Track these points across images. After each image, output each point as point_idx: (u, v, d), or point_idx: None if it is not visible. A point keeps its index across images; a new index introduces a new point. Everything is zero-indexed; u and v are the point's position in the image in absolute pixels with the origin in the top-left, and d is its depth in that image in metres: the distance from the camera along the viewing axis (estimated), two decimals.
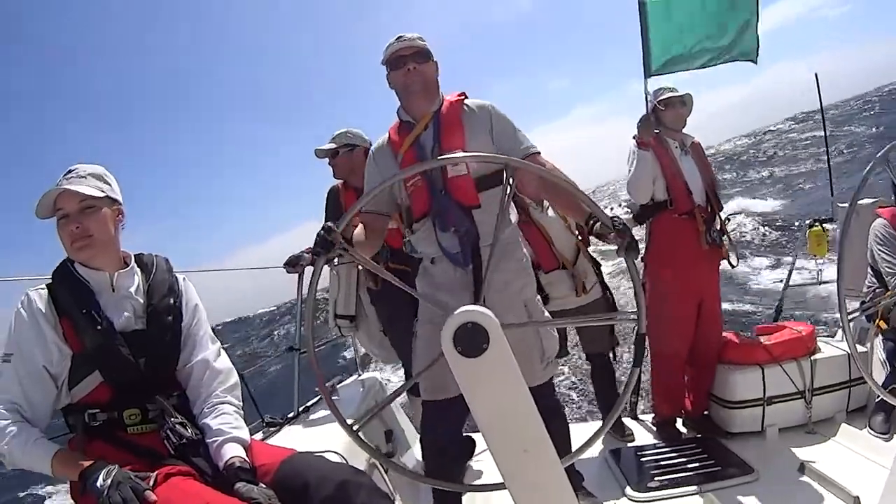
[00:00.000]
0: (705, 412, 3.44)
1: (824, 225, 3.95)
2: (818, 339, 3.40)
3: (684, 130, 3.32)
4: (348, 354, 6.42)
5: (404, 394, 3.56)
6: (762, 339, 3.29)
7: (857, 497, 2.39)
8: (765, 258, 13.34)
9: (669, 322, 3.21)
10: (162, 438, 1.58)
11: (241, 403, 1.79)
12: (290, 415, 3.02)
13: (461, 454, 3.16)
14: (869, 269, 3.12)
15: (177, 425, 1.59)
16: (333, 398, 2.58)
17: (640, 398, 3.93)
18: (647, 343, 1.42)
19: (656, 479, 2.87)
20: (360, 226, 2.05)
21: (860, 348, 3.17)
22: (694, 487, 2.74)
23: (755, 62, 3.37)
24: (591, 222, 1.75)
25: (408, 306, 2.23)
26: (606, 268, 3.42)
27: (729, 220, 3.49)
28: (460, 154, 1.97)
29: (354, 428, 1.35)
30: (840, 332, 3.62)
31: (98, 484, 1.35)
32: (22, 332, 1.57)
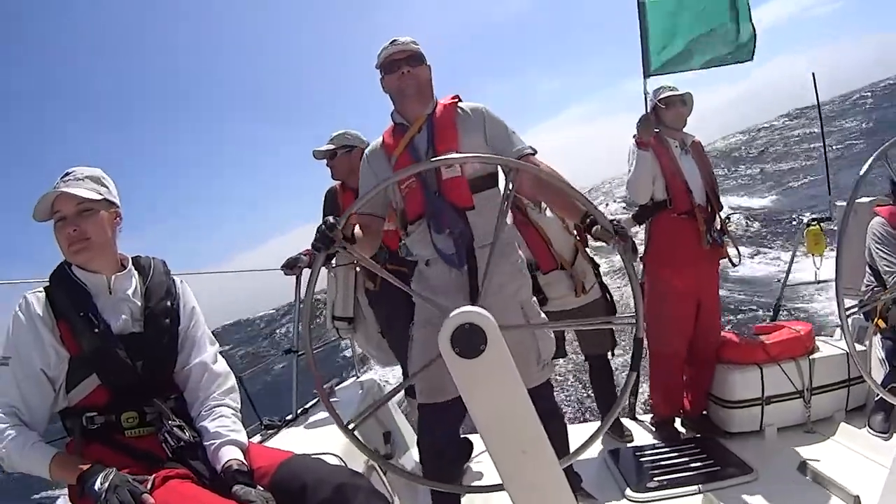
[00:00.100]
0: (704, 412, 3.44)
1: (822, 224, 3.95)
2: (817, 338, 3.40)
3: (685, 129, 3.31)
4: (347, 355, 6.41)
5: (404, 396, 3.56)
6: (761, 338, 3.29)
7: (857, 496, 2.39)
8: (749, 248, 13.45)
9: (669, 322, 3.21)
10: (160, 441, 1.58)
11: (240, 406, 1.79)
12: (289, 417, 3.02)
13: (458, 456, 3.16)
14: (867, 268, 3.12)
15: (174, 428, 1.59)
16: (332, 400, 2.58)
17: (637, 398, 3.93)
18: (644, 345, 1.42)
19: (655, 479, 2.87)
20: (357, 227, 2.05)
21: (859, 347, 3.17)
22: (693, 487, 2.74)
23: (752, 59, 3.38)
24: (588, 221, 1.76)
25: (406, 308, 2.23)
26: (601, 266, 3.42)
27: (729, 219, 3.49)
28: (463, 154, 1.97)
29: (350, 427, 1.35)
30: (838, 331, 3.62)
31: (96, 487, 1.35)
32: (19, 335, 1.58)
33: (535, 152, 2.09)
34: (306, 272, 3.20)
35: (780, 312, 4.23)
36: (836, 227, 3.78)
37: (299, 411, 3.10)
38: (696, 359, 3.34)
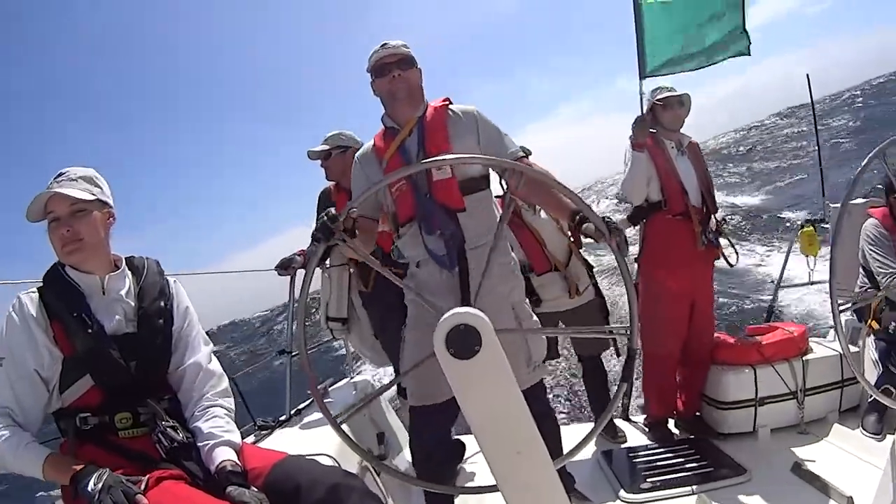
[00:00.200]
0: (697, 413, 3.44)
1: (816, 225, 3.96)
2: (810, 339, 3.41)
3: (681, 130, 3.31)
4: (340, 356, 6.40)
5: (398, 397, 3.55)
6: (754, 339, 3.29)
7: (850, 497, 2.40)
8: (743, 246, 13.50)
9: (663, 323, 3.21)
10: (153, 442, 1.57)
11: (234, 407, 1.79)
12: (282, 418, 3.00)
13: (449, 458, 3.16)
14: (861, 270, 3.13)
15: (168, 429, 1.59)
16: (326, 400, 2.58)
17: (631, 400, 3.93)
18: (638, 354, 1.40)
19: (649, 480, 2.87)
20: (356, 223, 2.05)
21: (852, 348, 3.18)
22: (687, 488, 2.74)
23: (749, 53, 3.38)
24: (578, 218, 1.76)
25: (400, 309, 2.23)
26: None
27: (725, 220, 3.49)
28: (457, 155, 1.97)
29: (339, 420, 1.34)
30: (832, 332, 3.64)
31: (89, 488, 1.34)
32: (13, 336, 1.57)
33: (529, 154, 2.09)
34: (300, 273, 3.20)
35: (774, 313, 4.24)
36: (828, 227, 3.80)
37: (293, 412, 3.09)
38: (689, 360, 3.35)
